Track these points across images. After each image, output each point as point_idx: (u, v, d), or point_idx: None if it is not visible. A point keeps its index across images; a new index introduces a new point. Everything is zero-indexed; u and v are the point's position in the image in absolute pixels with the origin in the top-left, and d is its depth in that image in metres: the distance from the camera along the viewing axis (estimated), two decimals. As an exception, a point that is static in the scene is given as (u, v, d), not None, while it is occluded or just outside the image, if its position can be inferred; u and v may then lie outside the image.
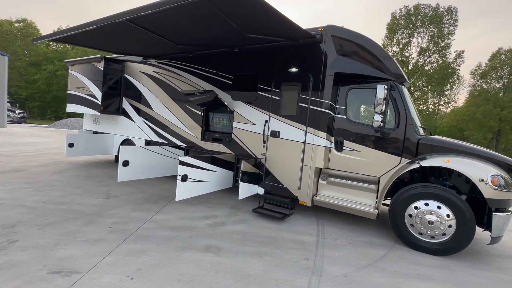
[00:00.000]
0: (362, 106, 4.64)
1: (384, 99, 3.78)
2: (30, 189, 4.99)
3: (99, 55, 7.08)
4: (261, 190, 4.96)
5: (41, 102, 36.98)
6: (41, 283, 2.33)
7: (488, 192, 3.35)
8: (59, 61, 34.71)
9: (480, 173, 3.41)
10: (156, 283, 2.45)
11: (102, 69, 6.88)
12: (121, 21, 3.67)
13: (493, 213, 3.36)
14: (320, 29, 4.34)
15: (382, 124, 3.86)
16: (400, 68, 4.41)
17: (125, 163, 5.04)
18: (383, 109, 3.81)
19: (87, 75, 7.35)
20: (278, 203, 4.70)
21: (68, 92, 7.98)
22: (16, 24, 37.37)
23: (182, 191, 4.20)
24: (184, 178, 4.20)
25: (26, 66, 36.87)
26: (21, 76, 36.70)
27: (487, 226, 3.58)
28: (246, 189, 4.70)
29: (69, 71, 8.00)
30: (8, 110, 22.98)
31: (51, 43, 36.61)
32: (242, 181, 4.58)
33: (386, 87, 3.79)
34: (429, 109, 35.78)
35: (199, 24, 4.00)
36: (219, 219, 4.28)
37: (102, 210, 4.21)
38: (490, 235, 3.45)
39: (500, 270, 3.40)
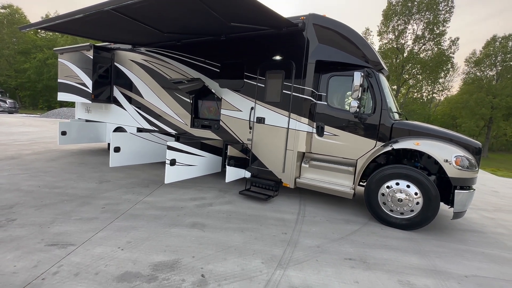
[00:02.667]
0: (342, 93, 4.85)
1: (360, 85, 3.99)
2: (25, 175, 5.19)
3: (88, 43, 7.10)
4: (248, 174, 5.22)
5: (32, 91, 36.34)
6: (39, 253, 2.59)
7: (451, 171, 3.65)
8: (48, 49, 33.86)
9: (445, 154, 3.69)
10: (144, 253, 2.73)
11: (92, 57, 6.92)
12: (106, 10, 3.76)
13: (456, 191, 3.68)
14: (302, 17, 4.47)
15: (358, 110, 4.10)
16: (379, 56, 4.60)
17: (117, 149, 5.24)
18: (359, 95, 4.03)
19: (77, 63, 7.38)
20: (263, 185, 4.97)
21: (59, 80, 8.02)
22: (1, 11, 36.05)
23: (171, 174, 4.44)
24: (173, 162, 4.42)
25: (15, 55, 35.91)
26: (10, 65, 35.82)
27: (452, 203, 3.91)
28: (233, 173, 4.96)
29: (59, 59, 8.00)
30: (-1, 99, 22.67)
31: (39, 30, 35.57)
32: (229, 165, 4.83)
33: (362, 74, 4.00)
34: (424, 97, 36.08)
35: (181, 13, 4.10)
36: (207, 200, 4.55)
37: (95, 193, 4.45)
38: (453, 211, 3.79)
39: (461, 242, 3.76)
